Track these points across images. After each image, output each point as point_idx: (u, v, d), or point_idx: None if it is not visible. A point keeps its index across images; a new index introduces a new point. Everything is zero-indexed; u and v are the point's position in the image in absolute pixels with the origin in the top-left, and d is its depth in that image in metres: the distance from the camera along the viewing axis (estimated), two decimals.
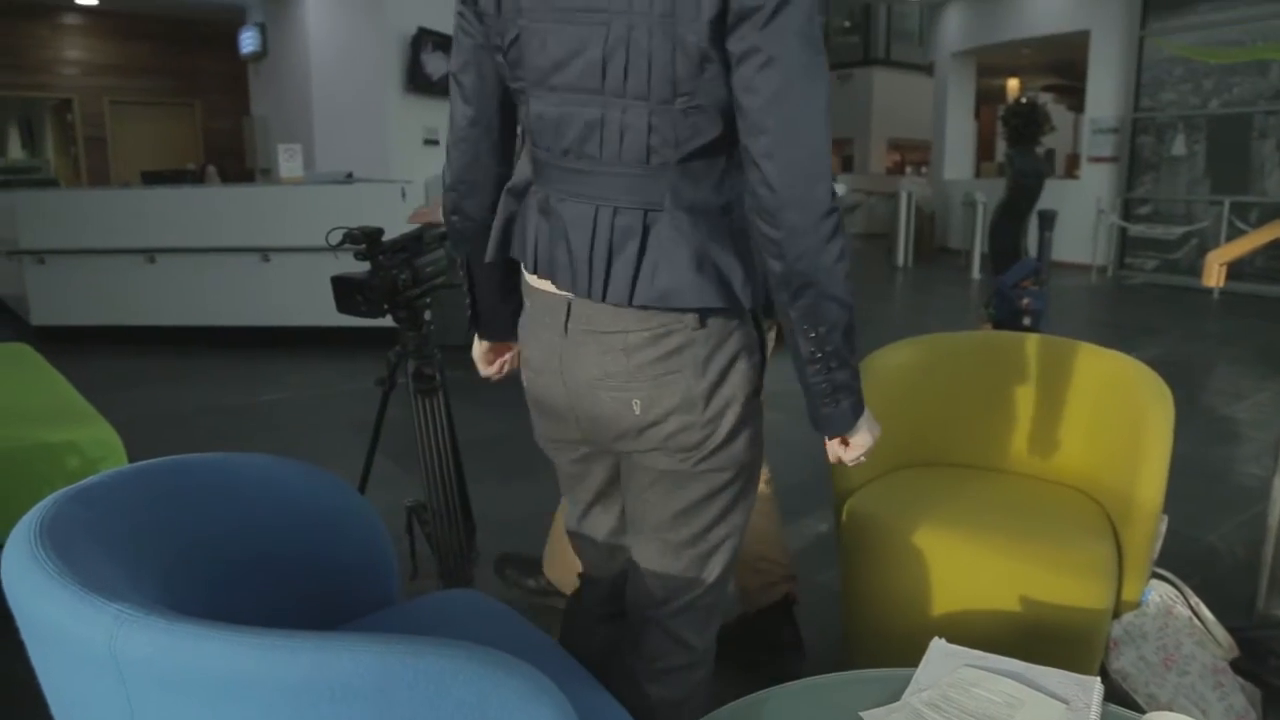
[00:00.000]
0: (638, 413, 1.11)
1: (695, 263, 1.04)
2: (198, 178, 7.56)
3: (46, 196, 6.73)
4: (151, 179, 7.27)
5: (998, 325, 6.02)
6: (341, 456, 3.78)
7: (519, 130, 1.22)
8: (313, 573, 1.44)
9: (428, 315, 2.24)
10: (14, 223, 6.35)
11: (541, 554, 2.49)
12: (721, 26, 0.97)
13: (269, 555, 1.39)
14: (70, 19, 10.07)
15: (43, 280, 6.31)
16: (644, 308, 1.07)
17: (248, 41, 9.30)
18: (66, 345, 5.91)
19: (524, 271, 1.20)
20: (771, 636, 2.13)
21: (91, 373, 4.52)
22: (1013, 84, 15.71)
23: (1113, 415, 2.05)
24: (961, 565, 1.85)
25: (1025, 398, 2.22)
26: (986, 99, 15.26)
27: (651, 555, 1.25)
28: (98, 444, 2.54)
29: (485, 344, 1.45)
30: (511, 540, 2.74)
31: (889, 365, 2.24)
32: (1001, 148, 11.23)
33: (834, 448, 1.21)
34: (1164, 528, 1.97)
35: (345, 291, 2.13)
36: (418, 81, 8.12)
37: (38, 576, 0.90)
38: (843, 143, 16.87)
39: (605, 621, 1.41)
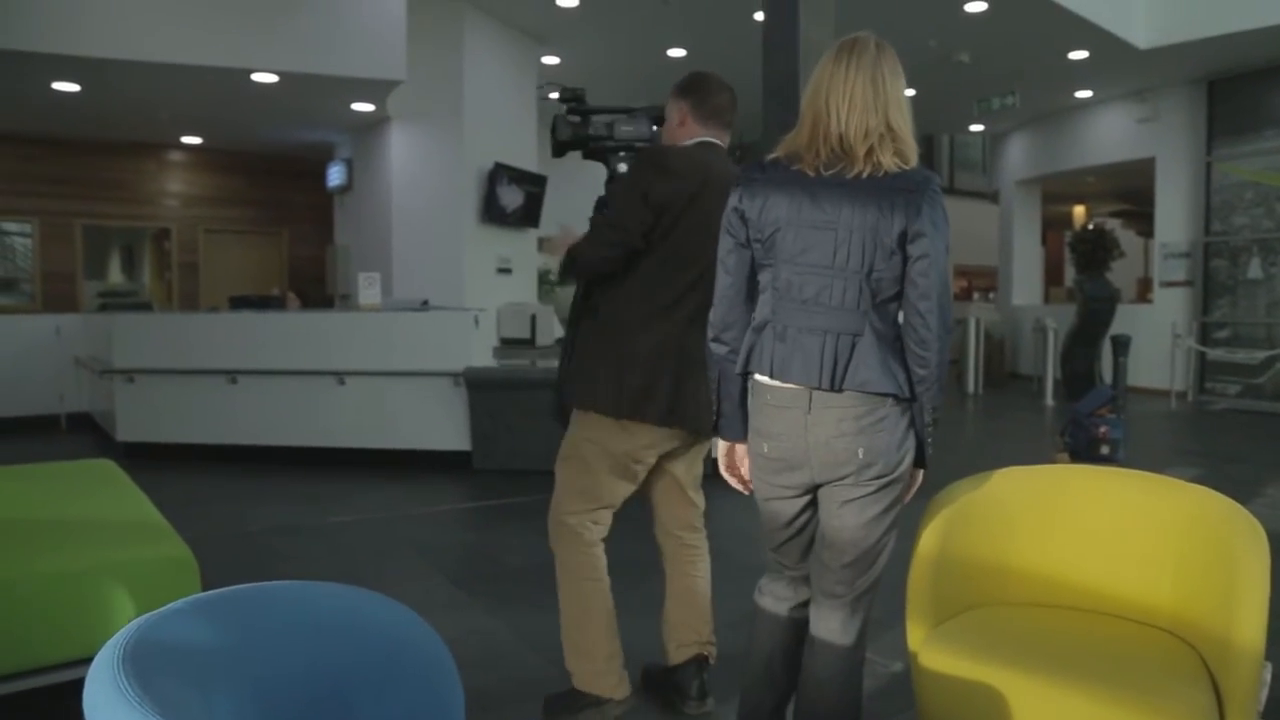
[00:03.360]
0: (860, 456, 1.76)
1: (880, 367, 1.73)
2: (282, 303, 7.92)
3: (139, 319, 7.12)
4: (239, 303, 7.63)
5: (1074, 454, 5.85)
6: (406, 581, 3.79)
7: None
8: (382, 705, 1.43)
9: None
10: (109, 343, 6.72)
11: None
12: (904, 238, 1.72)
13: (341, 687, 1.40)
14: (175, 155, 10.88)
15: (131, 398, 6.60)
16: (859, 392, 1.74)
17: (335, 175, 9.88)
18: (149, 461, 6.13)
19: (761, 378, 1.84)
20: (684, 687, 2.51)
21: (171, 489, 4.65)
22: (1079, 210, 15.73)
23: (1201, 553, 1.97)
24: (1046, 712, 1.75)
25: (1106, 534, 2.14)
26: (1053, 224, 15.29)
27: (849, 549, 1.86)
28: (173, 564, 2.58)
29: (726, 445, 2.00)
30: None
31: (963, 500, 2.19)
32: (1071, 273, 11.16)
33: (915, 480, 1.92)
34: (1268, 675, 1.85)
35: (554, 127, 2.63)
36: (492, 213, 8.48)
37: (118, 704, 0.92)
38: None
39: (796, 609, 2.04)
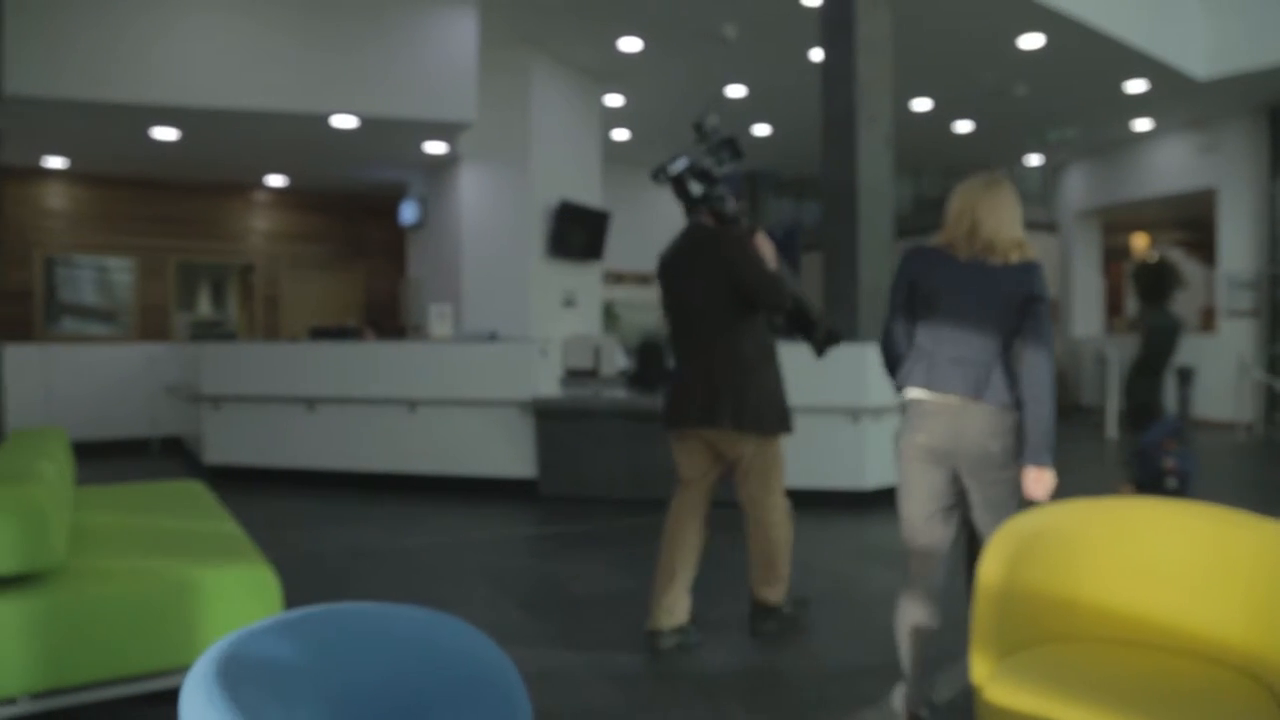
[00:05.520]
0: (995, 449, 2.45)
1: (1005, 389, 2.45)
2: (358, 334, 8.26)
3: (225, 349, 7.48)
4: (319, 334, 7.96)
5: (1140, 486, 5.81)
6: (476, 605, 3.88)
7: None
8: None
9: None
10: (197, 372, 7.10)
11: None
12: (1023, 304, 2.44)
13: (417, 706, 1.47)
14: (260, 196, 11.45)
15: (217, 423, 6.94)
16: (993, 405, 2.43)
17: (408, 212, 10.25)
18: (234, 484, 6.40)
19: (916, 393, 2.53)
20: (759, 621, 3.42)
21: (252, 511, 4.82)
22: (1140, 240, 15.49)
23: (1275, 589, 1.92)
24: None
25: (1175, 569, 2.11)
26: (1113, 254, 15.06)
27: (989, 519, 2.48)
28: (258, 583, 2.71)
29: None
30: None
31: (1028, 532, 2.17)
32: (1132, 303, 11.02)
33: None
34: None
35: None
36: (558, 248, 8.72)
37: (210, 715, 1.03)
38: None
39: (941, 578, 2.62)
